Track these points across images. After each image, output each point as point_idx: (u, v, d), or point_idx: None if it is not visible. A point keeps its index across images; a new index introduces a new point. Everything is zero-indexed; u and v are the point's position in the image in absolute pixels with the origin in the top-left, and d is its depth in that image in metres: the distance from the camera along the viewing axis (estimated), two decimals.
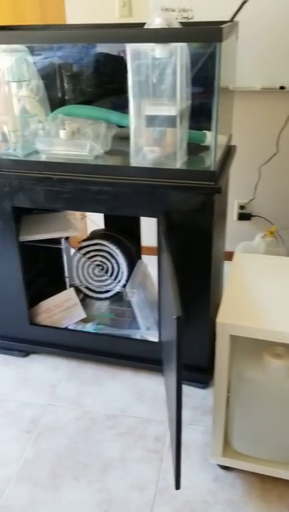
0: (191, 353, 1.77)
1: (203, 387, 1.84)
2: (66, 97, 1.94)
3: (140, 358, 1.89)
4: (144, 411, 1.76)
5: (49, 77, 1.89)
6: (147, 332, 1.94)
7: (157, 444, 1.63)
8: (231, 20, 1.77)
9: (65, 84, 1.93)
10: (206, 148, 1.64)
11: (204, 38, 1.38)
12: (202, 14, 2.14)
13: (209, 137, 1.60)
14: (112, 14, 2.30)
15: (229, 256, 2.52)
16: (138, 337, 1.94)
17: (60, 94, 1.93)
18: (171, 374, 1.31)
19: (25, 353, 2.05)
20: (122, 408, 1.78)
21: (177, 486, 1.29)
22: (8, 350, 2.05)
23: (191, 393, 1.82)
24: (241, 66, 2.07)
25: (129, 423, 1.72)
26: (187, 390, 1.83)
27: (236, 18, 1.80)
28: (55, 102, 1.86)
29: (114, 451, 1.61)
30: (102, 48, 1.88)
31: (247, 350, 1.38)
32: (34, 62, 1.75)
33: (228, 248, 2.18)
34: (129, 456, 1.59)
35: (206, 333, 1.75)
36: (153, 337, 1.90)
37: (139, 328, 1.96)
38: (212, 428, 1.45)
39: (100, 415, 1.75)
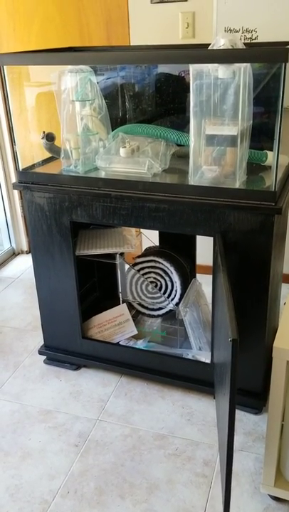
0: (245, 377, 1.73)
1: (255, 413, 1.78)
2: (127, 116, 1.97)
3: (191, 378, 1.86)
4: (194, 433, 1.73)
5: (111, 96, 1.93)
6: (199, 352, 1.91)
7: (206, 468, 1.59)
8: None
9: (126, 103, 1.97)
10: (267, 168, 1.62)
11: (270, 58, 1.37)
12: (266, 35, 2.12)
13: (270, 157, 1.58)
14: (175, 36, 2.33)
15: (287, 278, 2.46)
16: (190, 357, 1.91)
17: (120, 113, 1.97)
18: (223, 397, 1.28)
19: (76, 367, 2.07)
20: (171, 428, 1.75)
21: None
22: (60, 363, 2.08)
23: (243, 418, 1.77)
24: None
25: (178, 444, 1.69)
26: (239, 414, 1.78)
27: None
28: (116, 121, 1.90)
29: (161, 473, 1.58)
30: (163, 69, 1.91)
31: None
32: (97, 82, 1.80)
33: (286, 270, 2.12)
34: (177, 478, 1.56)
35: (260, 357, 1.70)
36: (205, 358, 1.86)
37: (191, 347, 1.93)
38: (264, 456, 1.40)
39: (148, 434, 1.73)
